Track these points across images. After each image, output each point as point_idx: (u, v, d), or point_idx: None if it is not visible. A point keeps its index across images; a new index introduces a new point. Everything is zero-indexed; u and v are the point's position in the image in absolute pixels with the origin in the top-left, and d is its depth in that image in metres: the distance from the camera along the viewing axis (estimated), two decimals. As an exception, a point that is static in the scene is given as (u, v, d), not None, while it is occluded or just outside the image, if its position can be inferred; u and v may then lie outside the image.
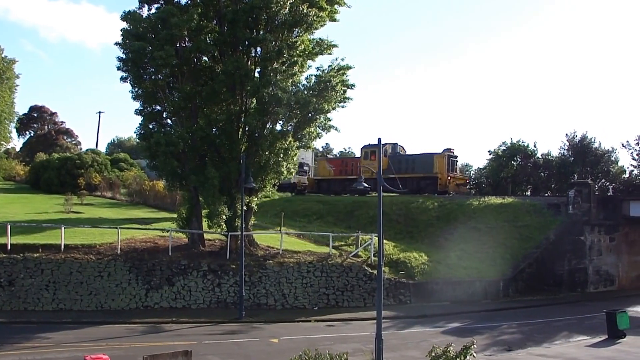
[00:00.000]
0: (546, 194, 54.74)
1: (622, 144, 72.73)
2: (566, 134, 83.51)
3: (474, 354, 19.13)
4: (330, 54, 40.47)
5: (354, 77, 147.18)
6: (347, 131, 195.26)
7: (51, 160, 66.79)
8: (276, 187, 42.96)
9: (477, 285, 40.99)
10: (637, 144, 69.39)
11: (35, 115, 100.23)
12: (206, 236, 39.88)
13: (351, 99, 40.66)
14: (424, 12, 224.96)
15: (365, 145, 61.80)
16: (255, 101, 38.19)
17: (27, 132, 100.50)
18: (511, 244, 44.99)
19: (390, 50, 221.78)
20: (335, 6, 39.83)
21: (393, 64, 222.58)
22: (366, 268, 38.53)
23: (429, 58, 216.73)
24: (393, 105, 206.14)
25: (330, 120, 40.80)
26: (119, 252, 35.52)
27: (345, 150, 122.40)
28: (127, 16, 37.49)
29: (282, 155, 38.31)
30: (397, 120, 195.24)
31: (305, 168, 66.57)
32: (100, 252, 35.36)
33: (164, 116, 39.88)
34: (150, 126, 39.01)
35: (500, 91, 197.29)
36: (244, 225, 35.68)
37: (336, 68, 39.74)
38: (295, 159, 40.00)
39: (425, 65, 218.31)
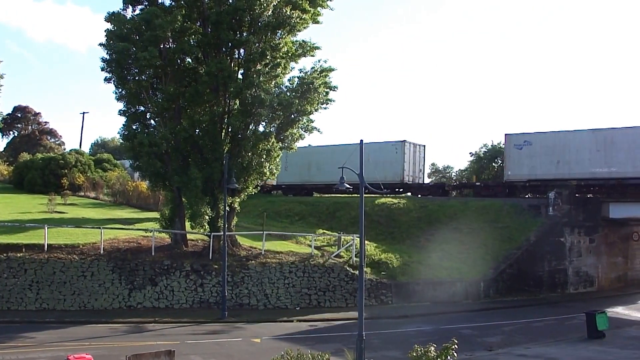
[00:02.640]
0: (527, 196, 55.06)
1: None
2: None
3: (455, 354, 19.40)
4: (313, 55, 40.91)
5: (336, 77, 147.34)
6: (327, 130, 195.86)
7: (35, 160, 66.48)
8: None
9: (458, 285, 41.35)
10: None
11: (19, 115, 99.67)
12: (189, 236, 40.03)
13: (333, 101, 41.09)
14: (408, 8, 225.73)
15: None
16: (238, 102, 38.40)
17: (11, 132, 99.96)
18: (492, 245, 45.33)
19: (368, 48, 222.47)
20: (318, 8, 40.20)
21: (371, 60, 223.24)
22: (348, 268, 38.79)
23: (408, 56, 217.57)
24: (368, 103, 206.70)
25: (312, 122, 41.19)
26: (102, 252, 35.62)
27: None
28: (111, 17, 37.54)
29: (264, 156, 38.60)
30: (371, 118, 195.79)
31: None
32: (83, 252, 35.45)
33: (148, 117, 39.96)
34: (134, 127, 39.07)
35: (483, 93, 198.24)
36: (226, 226, 35.92)
37: (319, 70, 40.12)
38: (277, 159, 40.27)
39: (404, 63, 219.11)
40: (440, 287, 40.67)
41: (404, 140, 58.27)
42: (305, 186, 65.04)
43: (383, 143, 58.47)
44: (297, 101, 38.49)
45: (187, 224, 39.18)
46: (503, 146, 73.95)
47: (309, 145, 62.80)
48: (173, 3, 39.01)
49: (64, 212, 48.40)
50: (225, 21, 37.03)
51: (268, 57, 37.48)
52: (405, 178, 58.13)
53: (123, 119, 39.31)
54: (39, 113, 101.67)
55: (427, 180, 64.83)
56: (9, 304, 32.44)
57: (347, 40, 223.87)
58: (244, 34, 37.70)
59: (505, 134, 53.33)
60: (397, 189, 59.81)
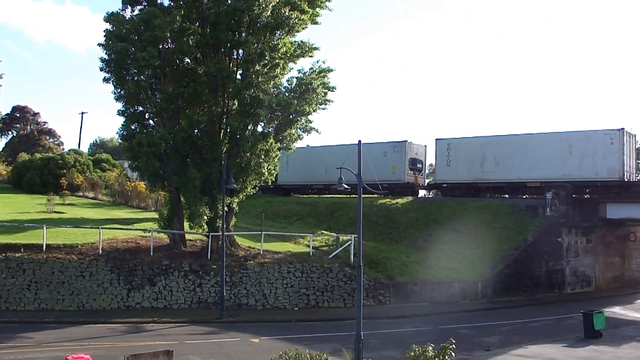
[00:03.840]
0: (524, 196, 55.09)
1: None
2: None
3: (453, 354, 19.46)
4: (311, 56, 41.05)
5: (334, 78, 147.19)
6: (327, 130, 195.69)
7: (33, 160, 66.55)
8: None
9: (456, 286, 41.37)
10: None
11: (18, 115, 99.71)
12: (187, 236, 40.07)
13: (332, 101, 41.16)
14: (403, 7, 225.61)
15: None
16: (237, 103, 38.41)
17: (10, 132, 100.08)
18: (490, 245, 45.25)
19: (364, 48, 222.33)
20: (317, 9, 40.27)
21: (368, 60, 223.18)
22: (346, 269, 38.82)
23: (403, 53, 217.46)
24: (368, 103, 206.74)
25: (311, 122, 41.30)
26: (100, 252, 35.63)
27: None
28: (110, 17, 37.57)
29: (263, 156, 38.59)
30: (371, 118, 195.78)
31: None
32: (82, 252, 35.47)
33: (146, 117, 39.96)
34: (133, 127, 39.06)
35: (483, 93, 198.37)
36: (225, 226, 35.95)
37: (317, 70, 40.19)
38: (276, 160, 40.31)
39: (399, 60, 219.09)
40: (438, 287, 40.70)
41: (622, 128, 48.17)
42: (478, 185, 55.45)
43: (591, 132, 49.33)
44: (295, 102, 38.47)
45: (186, 224, 39.20)
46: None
47: (482, 135, 56.30)
48: (172, 3, 39.11)
49: (62, 212, 48.46)
50: (224, 22, 37.05)
51: (267, 57, 37.47)
52: (625, 175, 48.15)
53: (122, 119, 39.41)
54: (37, 113, 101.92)
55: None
56: (7, 304, 32.49)
57: (346, 40, 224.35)
58: (243, 35, 37.76)
59: None
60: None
